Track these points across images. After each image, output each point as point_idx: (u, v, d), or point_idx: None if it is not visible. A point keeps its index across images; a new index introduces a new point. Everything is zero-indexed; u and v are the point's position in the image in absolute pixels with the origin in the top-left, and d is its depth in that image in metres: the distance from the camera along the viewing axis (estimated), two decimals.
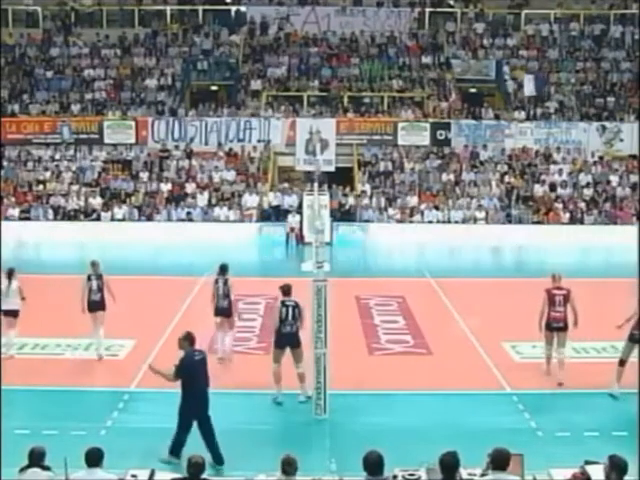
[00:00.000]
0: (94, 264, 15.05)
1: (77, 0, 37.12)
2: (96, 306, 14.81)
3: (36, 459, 7.64)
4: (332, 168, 31.64)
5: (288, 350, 12.59)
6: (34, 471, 7.58)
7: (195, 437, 10.71)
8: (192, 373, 10.45)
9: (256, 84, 34.43)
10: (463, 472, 7.83)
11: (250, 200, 29.88)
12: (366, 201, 29.94)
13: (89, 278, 14.86)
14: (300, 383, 12.57)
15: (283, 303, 12.51)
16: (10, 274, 14.92)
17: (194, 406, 10.45)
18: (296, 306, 12.46)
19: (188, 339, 10.61)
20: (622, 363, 12.80)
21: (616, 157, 32.16)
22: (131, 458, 9.40)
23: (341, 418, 11.92)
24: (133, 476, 8.14)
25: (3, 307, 14.66)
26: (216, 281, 14.66)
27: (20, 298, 14.90)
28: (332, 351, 11.93)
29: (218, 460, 10.32)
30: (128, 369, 14.19)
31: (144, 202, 29.91)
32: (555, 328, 13.42)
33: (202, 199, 30.04)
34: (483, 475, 7.64)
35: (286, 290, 12.64)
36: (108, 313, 15.80)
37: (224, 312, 14.65)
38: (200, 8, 37.18)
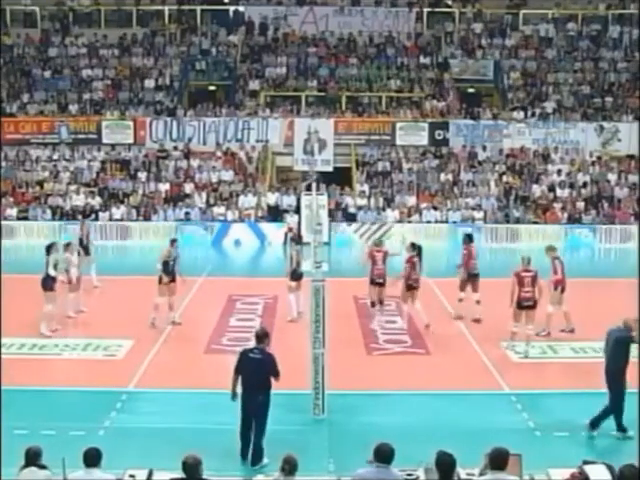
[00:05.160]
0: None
1: (75, 0, 37.10)
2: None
3: (32, 458, 7.64)
4: (330, 168, 31.63)
5: None
6: (31, 470, 7.58)
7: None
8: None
9: (254, 84, 34.42)
10: (462, 472, 7.85)
11: (248, 200, 29.86)
12: (364, 201, 29.96)
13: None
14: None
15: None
16: (173, 242, 17.59)
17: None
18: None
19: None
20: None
21: (614, 157, 32.17)
22: (129, 458, 9.39)
23: (339, 418, 11.92)
24: (131, 476, 8.14)
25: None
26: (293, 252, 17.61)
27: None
28: (330, 351, 11.93)
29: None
30: (126, 369, 14.20)
31: (142, 202, 29.89)
32: (525, 307, 14.99)
33: (200, 199, 30.03)
34: (481, 475, 7.64)
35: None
36: (106, 313, 15.79)
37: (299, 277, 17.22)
38: (198, 8, 37.14)
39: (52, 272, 16.27)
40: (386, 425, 11.42)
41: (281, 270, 18.58)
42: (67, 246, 17.90)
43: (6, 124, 32.08)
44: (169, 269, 17.00)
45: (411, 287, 16.71)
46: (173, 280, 17.03)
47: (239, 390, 10.45)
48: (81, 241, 20.41)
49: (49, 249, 16.56)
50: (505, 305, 15.25)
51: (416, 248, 16.92)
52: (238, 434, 10.49)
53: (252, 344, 15.56)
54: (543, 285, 15.45)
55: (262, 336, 10.69)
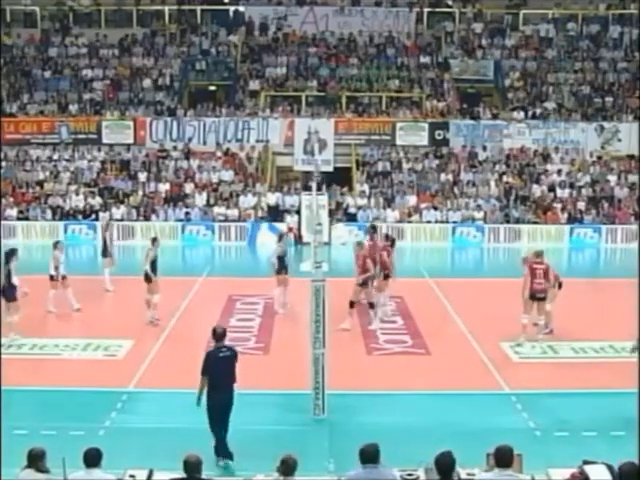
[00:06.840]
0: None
1: (75, 0, 37.10)
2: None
3: (34, 460, 7.60)
4: (330, 168, 31.62)
5: None
6: (30, 472, 7.54)
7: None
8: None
9: (254, 84, 34.41)
10: (462, 472, 7.84)
11: (248, 200, 29.84)
12: (364, 201, 29.95)
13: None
14: None
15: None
16: (154, 240, 17.61)
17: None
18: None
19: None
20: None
21: (614, 157, 32.17)
22: (129, 458, 9.40)
23: (339, 418, 11.92)
24: (131, 476, 8.13)
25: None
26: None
27: None
28: (330, 351, 11.92)
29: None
30: (126, 369, 14.21)
31: (142, 202, 29.89)
32: (537, 298, 15.34)
33: (200, 199, 30.02)
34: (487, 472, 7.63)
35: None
36: (104, 314, 15.75)
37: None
38: (198, 8, 37.15)
39: (15, 281, 15.56)
40: (386, 425, 11.42)
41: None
42: (56, 244, 18.09)
43: (6, 124, 32.04)
44: (156, 268, 17.07)
45: (387, 277, 17.48)
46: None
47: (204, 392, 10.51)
48: (105, 242, 20.53)
49: (9, 256, 15.68)
50: (505, 306, 15.27)
51: (390, 239, 18.26)
52: (211, 433, 10.53)
53: (251, 344, 15.81)
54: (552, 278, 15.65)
55: (223, 334, 10.76)
